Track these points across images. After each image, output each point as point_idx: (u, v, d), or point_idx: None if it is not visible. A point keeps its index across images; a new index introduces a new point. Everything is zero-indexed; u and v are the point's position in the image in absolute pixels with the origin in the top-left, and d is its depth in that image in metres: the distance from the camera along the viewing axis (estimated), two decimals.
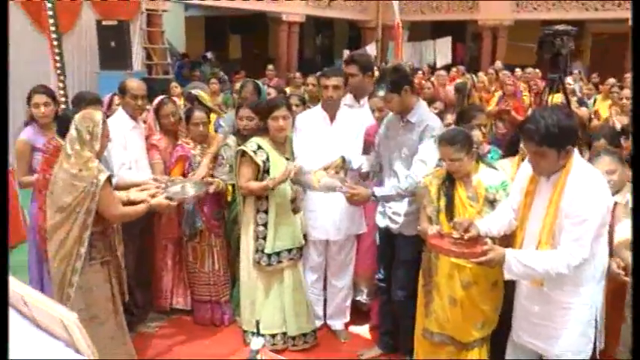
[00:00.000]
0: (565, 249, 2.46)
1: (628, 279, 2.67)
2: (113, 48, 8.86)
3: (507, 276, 2.56)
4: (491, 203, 3.05)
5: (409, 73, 3.72)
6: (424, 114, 3.49)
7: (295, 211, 3.84)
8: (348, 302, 4.28)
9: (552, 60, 5.76)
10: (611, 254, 2.77)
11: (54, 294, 3.10)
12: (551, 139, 2.42)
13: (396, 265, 3.68)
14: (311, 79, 6.10)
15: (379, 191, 3.43)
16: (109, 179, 3.05)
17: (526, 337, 2.79)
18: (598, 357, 2.75)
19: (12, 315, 1.84)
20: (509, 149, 3.59)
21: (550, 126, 2.40)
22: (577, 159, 2.54)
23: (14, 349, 1.70)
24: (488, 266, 2.64)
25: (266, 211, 3.77)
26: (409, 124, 3.46)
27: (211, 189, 3.90)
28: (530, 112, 7.23)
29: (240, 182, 3.75)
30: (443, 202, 3.13)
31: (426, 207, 3.20)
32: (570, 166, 2.50)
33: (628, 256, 2.64)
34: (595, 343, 2.69)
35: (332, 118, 3.95)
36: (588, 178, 2.49)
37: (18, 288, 1.90)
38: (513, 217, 2.82)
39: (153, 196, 3.38)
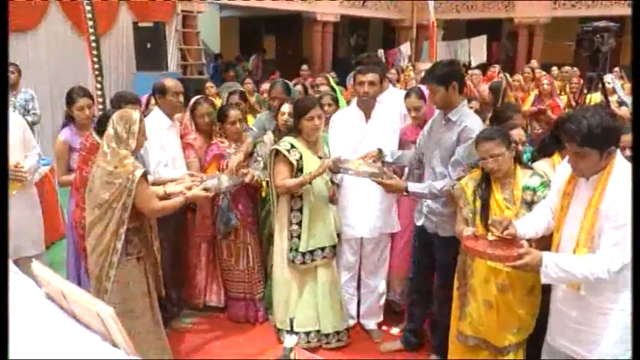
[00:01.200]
0: (605, 254, 2.38)
1: None
2: (149, 49, 8.99)
3: (544, 280, 2.50)
4: (529, 205, 2.99)
5: (461, 69, 3.64)
6: (465, 114, 3.45)
7: (333, 203, 3.84)
8: (382, 302, 4.27)
9: (591, 58, 5.62)
10: None
11: (91, 288, 3.18)
12: (594, 140, 2.34)
13: (436, 266, 3.69)
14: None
15: (413, 187, 3.45)
16: (144, 175, 3.11)
17: (562, 340, 2.72)
18: None
19: (52, 309, 1.88)
20: (542, 150, 3.50)
21: (593, 126, 2.32)
22: (619, 160, 2.46)
23: (53, 342, 1.72)
24: (524, 270, 2.57)
25: (300, 210, 3.78)
26: (450, 123, 3.44)
27: (247, 178, 3.92)
28: (566, 111, 7.12)
29: (277, 180, 3.75)
30: (478, 204, 3.09)
31: (462, 209, 3.16)
32: (612, 168, 2.42)
33: None
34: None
35: (367, 116, 3.94)
36: (630, 181, 2.40)
37: (57, 282, 1.94)
38: (551, 218, 2.76)
39: (189, 189, 3.43)
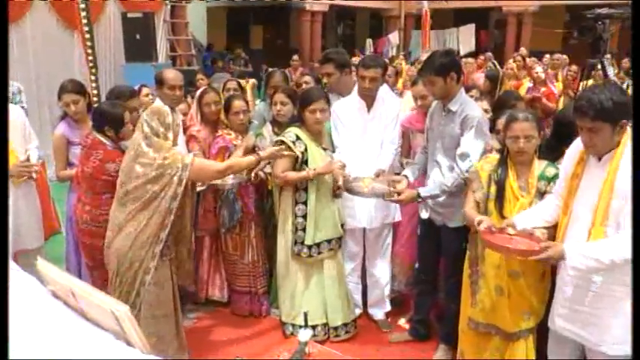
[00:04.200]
0: (626, 232, 2.37)
1: None
2: (138, 40, 8.84)
3: (572, 272, 2.51)
4: (542, 195, 2.98)
5: (459, 59, 3.62)
6: (465, 103, 3.43)
7: (337, 196, 3.81)
8: (388, 291, 4.26)
9: (593, 44, 5.64)
10: None
11: (115, 288, 3.14)
12: (606, 113, 2.37)
13: (444, 256, 3.69)
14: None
15: (424, 191, 3.42)
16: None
17: (569, 326, 2.71)
18: None
19: (59, 307, 1.84)
20: (548, 151, 3.27)
21: (603, 100, 2.36)
22: (630, 138, 2.47)
23: (63, 341, 1.67)
24: (548, 263, 2.60)
25: (305, 203, 3.73)
26: (450, 113, 3.41)
27: (252, 178, 3.90)
28: (563, 98, 7.12)
29: (276, 171, 3.69)
30: (493, 189, 3.06)
31: (475, 192, 3.13)
32: (624, 146, 2.43)
33: None
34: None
35: (369, 107, 3.90)
36: None
37: (65, 280, 1.89)
38: (557, 204, 2.76)
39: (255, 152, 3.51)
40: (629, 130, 2.46)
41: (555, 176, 2.96)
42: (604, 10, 5.57)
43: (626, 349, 2.55)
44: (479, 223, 2.81)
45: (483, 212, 3.06)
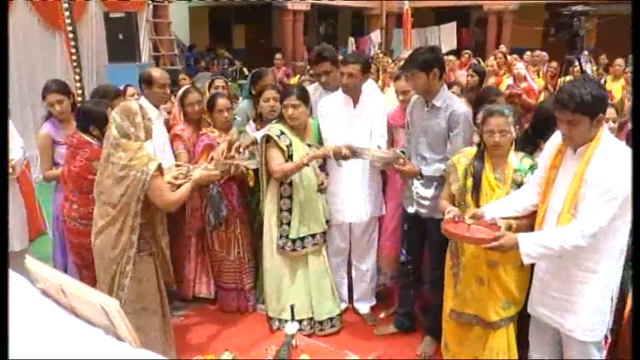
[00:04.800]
0: (582, 218, 2.50)
1: None
2: (121, 40, 8.79)
3: (526, 260, 2.61)
4: (518, 186, 3.06)
5: (442, 56, 3.65)
6: (450, 98, 3.50)
7: (321, 191, 3.85)
8: (374, 285, 4.33)
9: (570, 41, 5.76)
10: None
11: (101, 285, 3.16)
12: (585, 107, 2.46)
13: (428, 248, 3.75)
14: None
15: (426, 170, 3.51)
16: (159, 167, 3.08)
17: (543, 310, 2.84)
18: (609, 337, 2.80)
19: (49, 306, 1.83)
20: (526, 142, 3.39)
21: (584, 94, 2.46)
22: (605, 132, 2.59)
23: (53, 338, 1.68)
24: (500, 252, 2.70)
25: (290, 197, 3.79)
26: (434, 109, 3.48)
27: (232, 170, 3.88)
28: (543, 94, 7.23)
29: (273, 165, 3.72)
30: (470, 182, 3.14)
31: (452, 184, 3.21)
32: (599, 140, 2.53)
33: None
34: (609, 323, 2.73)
35: (355, 102, 3.96)
36: (616, 151, 2.53)
37: (55, 277, 1.90)
38: (537, 192, 2.85)
39: (175, 177, 3.39)
40: (605, 125, 2.58)
41: (531, 168, 3.05)
42: (579, 8, 5.69)
43: (597, 335, 2.70)
44: (448, 213, 2.92)
45: (459, 204, 3.15)
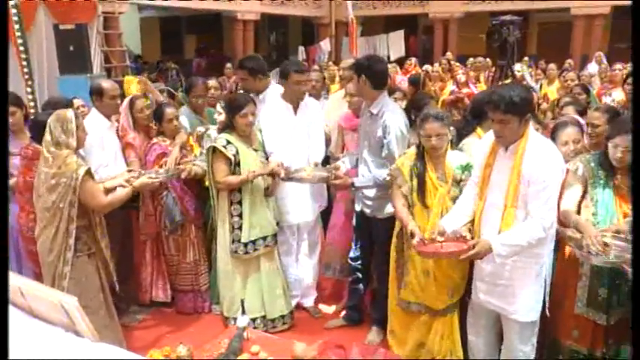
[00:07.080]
0: (536, 214, 2.77)
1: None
2: (72, 52, 8.75)
3: (499, 260, 2.84)
4: (458, 183, 3.33)
5: (380, 67, 3.73)
6: (386, 106, 3.70)
7: (268, 195, 4.00)
8: (316, 279, 4.54)
9: (500, 48, 6.12)
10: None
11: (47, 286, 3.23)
12: (515, 108, 2.75)
13: (375, 245, 3.96)
14: None
15: (358, 181, 3.74)
16: (88, 172, 3.21)
17: (483, 296, 3.10)
18: (548, 313, 3.05)
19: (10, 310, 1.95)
20: (467, 127, 3.79)
21: (513, 96, 2.74)
22: (531, 130, 2.89)
23: (16, 340, 1.81)
24: (476, 258, 2.93)
25: (240, 203, 3.91)
26: (373, 116, 3.71)
27: (183, 174, 4.01)
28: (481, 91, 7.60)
29: (218, 177, 3.85)
30: (415, 182, 3.37)
31: (401, 186, 3.43)
32: (527, 137, 2.83)
33: (577, 219, 2.94)
34: (544, 301, 3.01)
35: (295, 108, 4.15)
36: (544, 146, 2.85)
37: (14, 280, 2.01)
38: (476, 193, 3.10)
39: (127, 181, 3.51)
40: (530, 124, 2.88)
41: (468, 165, 3.32)
42: (507, 17, 6.06)
43: (535, 315, 2.99)
44: (412, 236, 3.13)
45: (411, 204, 3.38)
